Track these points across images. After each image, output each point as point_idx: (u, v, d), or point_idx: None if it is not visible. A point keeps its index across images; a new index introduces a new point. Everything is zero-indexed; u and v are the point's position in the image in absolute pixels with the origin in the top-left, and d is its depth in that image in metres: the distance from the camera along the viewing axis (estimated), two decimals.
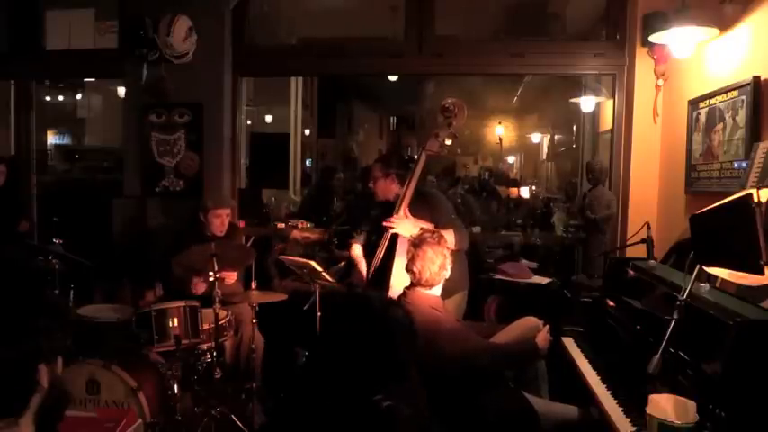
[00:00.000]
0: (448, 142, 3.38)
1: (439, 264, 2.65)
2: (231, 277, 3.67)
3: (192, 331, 3.25)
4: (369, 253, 3.47)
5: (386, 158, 4.02)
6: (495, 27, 5.89)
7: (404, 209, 3.28)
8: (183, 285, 3.60)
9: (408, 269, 2.70)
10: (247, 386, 3.40)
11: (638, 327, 2.29)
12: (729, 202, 1.78)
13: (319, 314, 3.48)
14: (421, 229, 2.97)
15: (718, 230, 1.86)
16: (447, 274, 2.71)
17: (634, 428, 1.93)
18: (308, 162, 10.90)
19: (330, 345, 3.31)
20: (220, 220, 3.73)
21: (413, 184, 3.32)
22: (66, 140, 9.81)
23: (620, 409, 2.08)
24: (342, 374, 2.70)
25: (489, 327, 3.28)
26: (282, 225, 4.96)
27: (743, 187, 2.49)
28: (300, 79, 9.39)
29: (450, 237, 3.03)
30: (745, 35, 2.94)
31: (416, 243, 2.69)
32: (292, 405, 3.46)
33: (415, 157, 3.51)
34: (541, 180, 12.36)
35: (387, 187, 3.47)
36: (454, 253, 2.91)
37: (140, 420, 2.74)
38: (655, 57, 3.89)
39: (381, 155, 3.62)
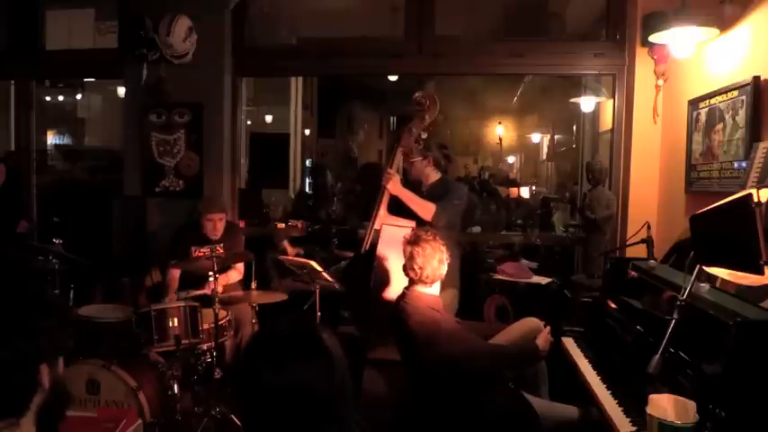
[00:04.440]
0: (423, 136, 3.36)
1: (438, 258, 2.64)
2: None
3: (192, 331, 3.25)
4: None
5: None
6: (495, 27, 5.89)
7: (383, 209, 3.38)
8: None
9: (408, 268, 2.67)
10: None
11: (638, 327, 2.29)
12: (729, 202, 1.78)
13: (319, 314, 3.48)
14: (413, 228, 2.96)
15: (718, 230, 1.86)
16: (446, 269, 2.70)
17: (634, 428, 1.93)
18: (307, 162, 10.89)
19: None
20: (213, 224, 3.79)
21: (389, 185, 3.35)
22: (66, 140, 9.77)
23: (620, 409, 2.08)
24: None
25: (489, 327, 3.28)
26: (282, 225, 4.96)
27: (743, 187, 2.49)
28: (300, 79, 9.41)
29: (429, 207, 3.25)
30: (745, 35, 2.93)
31: (413, 240, 2.66)
32: None
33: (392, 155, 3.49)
34: (541, 180, 12.36)
35: (422, 170, 3.48)
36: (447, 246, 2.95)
37: (140, 420, 2.74)
38: (655, 57, 3.89)
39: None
